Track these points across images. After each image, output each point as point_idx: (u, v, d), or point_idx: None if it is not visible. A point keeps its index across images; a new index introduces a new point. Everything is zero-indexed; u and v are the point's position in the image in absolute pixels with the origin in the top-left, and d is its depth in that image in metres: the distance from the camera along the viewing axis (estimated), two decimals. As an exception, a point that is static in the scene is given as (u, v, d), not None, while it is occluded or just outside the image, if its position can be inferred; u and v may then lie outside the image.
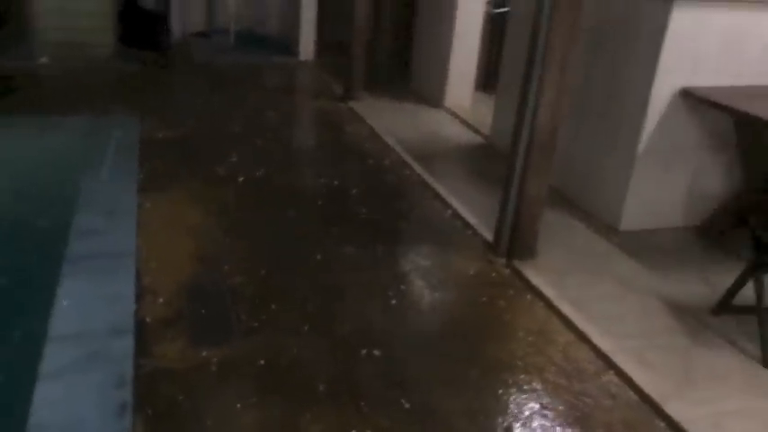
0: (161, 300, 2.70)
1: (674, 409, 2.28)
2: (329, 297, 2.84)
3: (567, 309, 2.81)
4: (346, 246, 3.26)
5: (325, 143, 4.94)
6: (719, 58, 3.36)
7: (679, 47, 3.25)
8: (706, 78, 3.35)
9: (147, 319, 2.57)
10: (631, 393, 2.39)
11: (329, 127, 5.12)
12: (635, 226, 3.56)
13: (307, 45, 6.88)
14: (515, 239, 3.18)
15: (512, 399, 2.34)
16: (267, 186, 3.89)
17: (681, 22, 3.21)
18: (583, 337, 2.65)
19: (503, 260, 3.20)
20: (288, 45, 7.05)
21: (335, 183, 4.00)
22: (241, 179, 3.91)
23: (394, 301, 2.85)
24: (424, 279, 3.06)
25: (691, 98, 3.30)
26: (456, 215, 3.66)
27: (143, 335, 2.47)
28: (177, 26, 7.01)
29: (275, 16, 7.55)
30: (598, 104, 3.68)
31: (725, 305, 2.80)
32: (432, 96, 5.67)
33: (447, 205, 3.76)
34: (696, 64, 3.32)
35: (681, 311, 2.87)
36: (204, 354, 2.41)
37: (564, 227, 3.58)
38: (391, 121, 5.10)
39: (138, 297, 2.68)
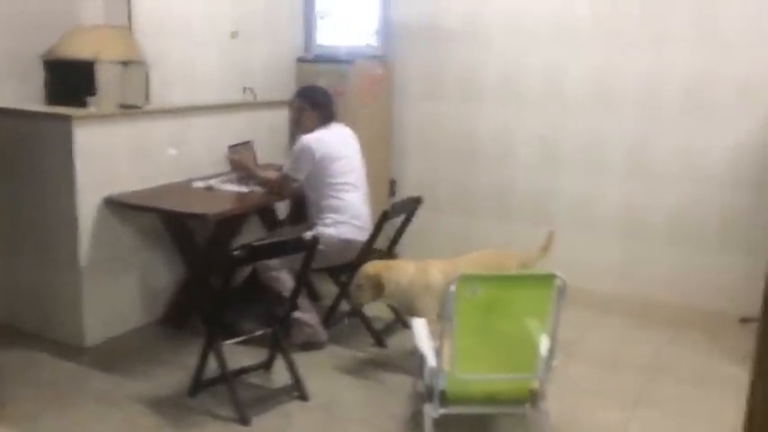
0: None
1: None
2: None
3: (48, 450, 2.64)
4: None
5: None
6: (133, 166, 3.70)
7: (92, 161, 3.46)
8: (127, 185, 3.65)
9: None
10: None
11: None
12: (100, 338, 3.59)
13: None
14: (-32, 398, 2.83)
15: None
16: None
17: (87, 140, 3.43)
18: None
19: (-42, 427, 2.80)
20: None
21: None
22: None
23: None
24: None
25: (115, 205, 3.54)
26: None
27: None
28: None
29: None
30: (31, 230, 3.60)
31: (197, 383, 3.08)
32: None
33: None
34: (114, 174, 3.58)
35: (163, 405, 3.03)
36: None
37: (27, 363, 3.37)
38: None
39: None
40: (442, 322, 2.79)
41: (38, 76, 5.53)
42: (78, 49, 5.38)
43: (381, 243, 3.87)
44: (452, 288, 2.40)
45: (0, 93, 4.57)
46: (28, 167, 3.55)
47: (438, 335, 2.73)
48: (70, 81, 5.24)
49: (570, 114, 4.53)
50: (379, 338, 3.74)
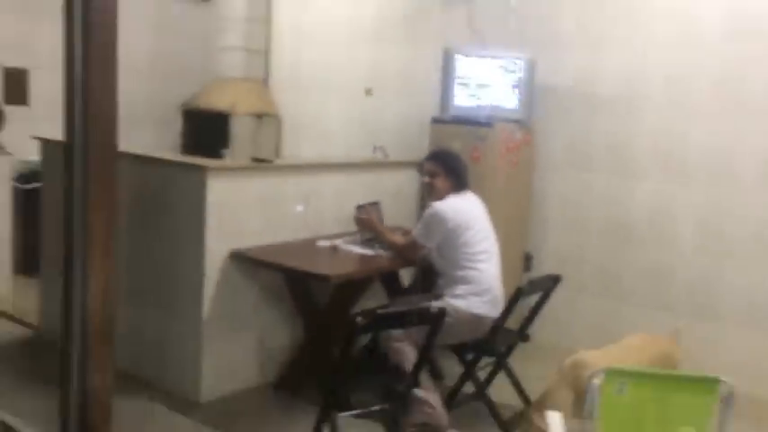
0: None
1: None
2: None
3: None
4: None
5: None
6: (260, 221, 3.90)
7: (222, 213, 3.69)
8: (253, 239, 3.84)
9: None
10: None
11: None
12: (215, 395, 3.74)
13: None
14: (85, 443, 3.00)
15: None
16: None
17: (219, 192, 3.67)
18: None
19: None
20: None
21: None
22: None
23: None
24: None
25: (241, 259, 3.74)
26: (7, 429, 3.29)
27: None
28: None
29: None
30: (158, 279, 3.86)
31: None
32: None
33: (-9, 422, 3.36)
34: (241, 227, 3.80)
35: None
36: None
37: (142, 413, 3.54)
38: None
39: None
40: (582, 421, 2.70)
41: (176, 124, 6.08)
42: (215, 101, 5.87)
43: (513, 322, 3.82)
44: (596, 382, 2.32)
45: (139, 138, 5.00)
46: (160, 216, 3.84)
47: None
48: (205, 131, 5.73)
49: (739, 195, 4.32)
50: (506, 429, 3.66)
